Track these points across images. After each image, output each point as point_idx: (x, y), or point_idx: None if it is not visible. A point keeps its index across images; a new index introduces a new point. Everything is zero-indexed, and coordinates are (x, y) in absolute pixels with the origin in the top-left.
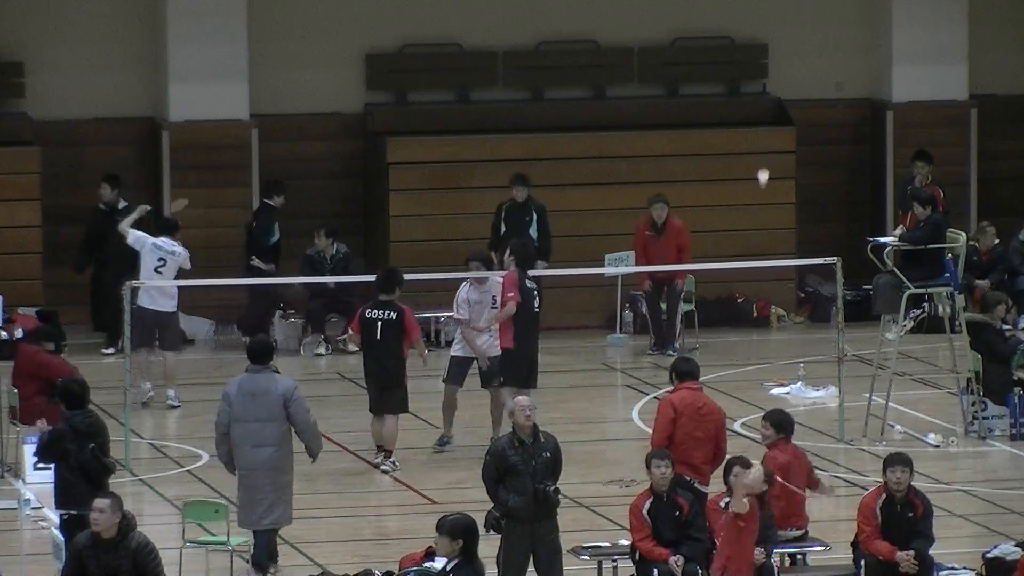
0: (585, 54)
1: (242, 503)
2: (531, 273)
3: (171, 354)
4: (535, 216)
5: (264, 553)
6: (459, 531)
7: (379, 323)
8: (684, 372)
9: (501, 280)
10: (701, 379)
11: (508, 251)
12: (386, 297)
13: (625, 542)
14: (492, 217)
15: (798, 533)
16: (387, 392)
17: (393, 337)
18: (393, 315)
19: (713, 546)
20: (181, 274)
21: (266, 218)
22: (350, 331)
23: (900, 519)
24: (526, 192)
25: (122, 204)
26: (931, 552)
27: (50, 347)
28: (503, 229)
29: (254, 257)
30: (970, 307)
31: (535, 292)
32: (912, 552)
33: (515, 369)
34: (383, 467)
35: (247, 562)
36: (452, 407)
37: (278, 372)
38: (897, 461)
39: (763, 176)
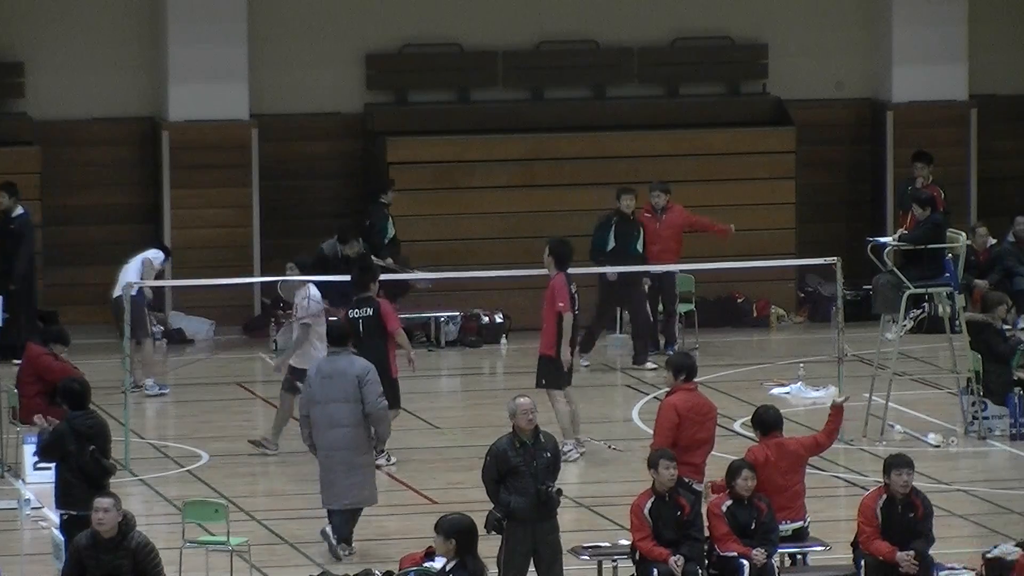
0: (585, 54)
1: (322, 483)
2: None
3: (147, 342)
4: (641, 232)
5: (344, 532)
6: (453, 531)
7: (360, 321)
8: (694, 370)
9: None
10: (702, 379)
11: (547, 251)
12: (361, 294)
13: (625, 542)
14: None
15: (795, 525)
16: None
17: (376, 333)
18: (370, 311)
19: (712, 547)
20: (182, 273)
21: (380, 216)
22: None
23: (901, 519)
24: (634, 203)
25: (18, 211)
26: (931, 552)
27: (59, 349)
28: (612, 244)
29: (373, 257)
30: (970, 307)
31: (575, 295)
32: (912, 552)
33: (559, 373)
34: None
35: (247, 562)
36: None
37: (357, 355)
38: (902, 464)
39: None
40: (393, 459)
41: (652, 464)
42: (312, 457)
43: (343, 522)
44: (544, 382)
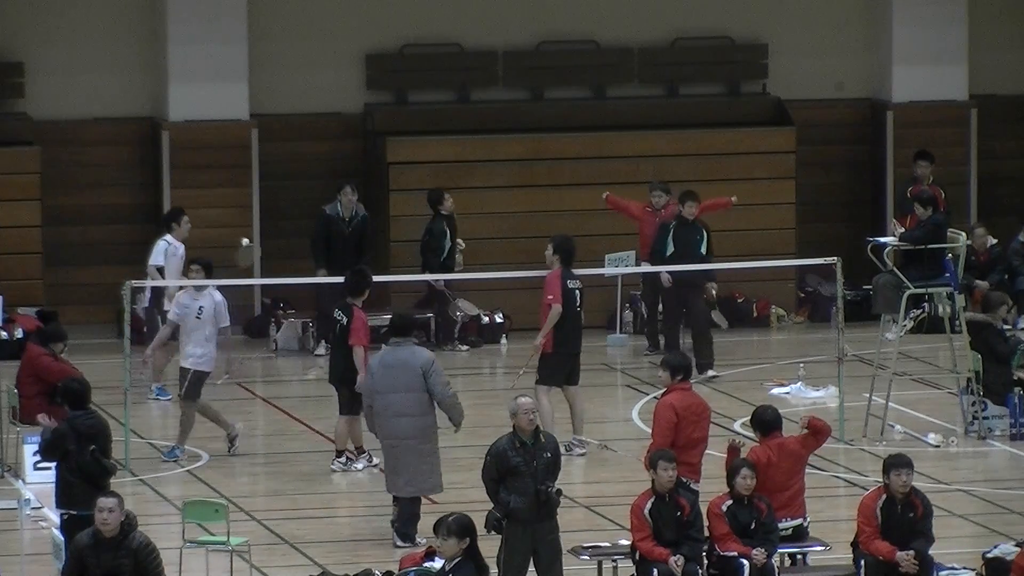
0: (585, 54)
1: (387, 470)
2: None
3: (158, 352)
4: (705, 235)
5: (409, 521)
6: (463, 531)
7: (337, 325)
8: (690, 370)
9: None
10: (702, 379)
11: (551, 248)
12: (351, 300)
13: (625, 542)
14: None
15: (795, 523)
16: (338, 393)
17: (344, 341)
18: (345, 320)
19: (712, 547)
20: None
21: (438, 232)
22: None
23: (900, 519)
24: (696, 209)
25: None
26: (931, 552)
27: (58, 348)
28: (671, 249)
29: (438, 280)
30: (970, 307)
31: (577, 291)
32: (912, 552)
33: (551, 371)
34: (332, 466)
35: (247, 562)
36: (206, 414)
37: (419, 345)
38: (901, 464)
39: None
40: (376, 460)
41: (650, 465)
42: (312, 457)
43: (409, 512)
44: (536, 376)
